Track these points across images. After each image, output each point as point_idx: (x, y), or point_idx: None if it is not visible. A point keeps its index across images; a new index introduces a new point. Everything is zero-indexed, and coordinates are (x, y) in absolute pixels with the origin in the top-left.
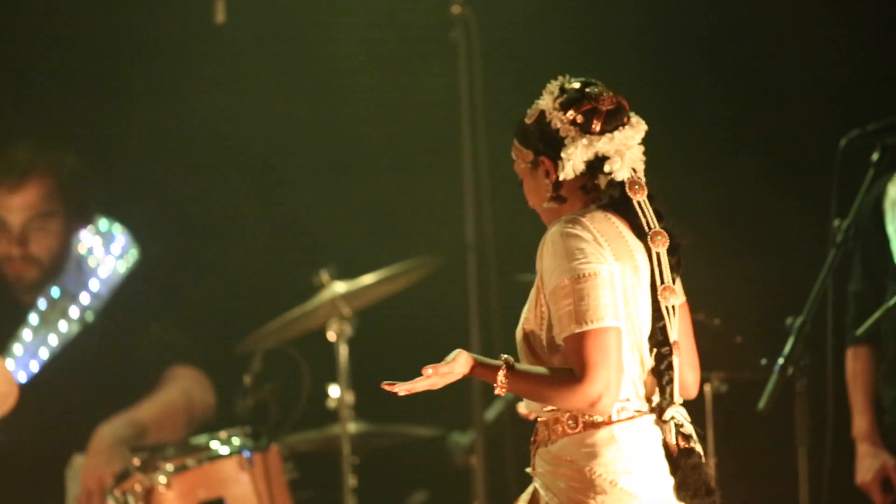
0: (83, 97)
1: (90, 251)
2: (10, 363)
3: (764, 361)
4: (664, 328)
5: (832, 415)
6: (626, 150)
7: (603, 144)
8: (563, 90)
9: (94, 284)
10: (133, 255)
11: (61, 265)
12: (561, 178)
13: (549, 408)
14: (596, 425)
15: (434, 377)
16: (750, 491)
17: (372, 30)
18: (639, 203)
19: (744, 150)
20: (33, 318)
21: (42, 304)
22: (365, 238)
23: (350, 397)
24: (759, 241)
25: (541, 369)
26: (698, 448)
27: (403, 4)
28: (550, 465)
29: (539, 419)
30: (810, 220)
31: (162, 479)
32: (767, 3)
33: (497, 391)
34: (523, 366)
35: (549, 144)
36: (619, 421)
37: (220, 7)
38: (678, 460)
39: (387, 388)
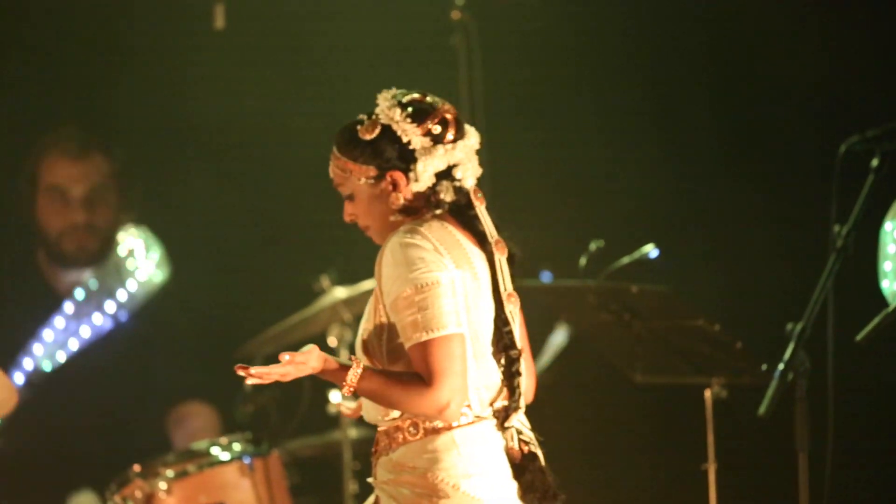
0: (79, 103)
1: (131, 253)
2: (38, 348)
3: (764, 367)
4: (510, 333)
5: (832, 420)
6: (471, 157)
7: (457, 153)
8: (403, 103)
9: (131, 284)
10: (166, 270)
11: (110, 249)
12: (414, 189)
13: (391, 416)
14: (436, 431)
15: (288, 366)
16: (750, 496)
17: (373, 35)
18: (481, 211)
19: (743, 157)
20: (68, 307)
21: (79, 293)
22: (365, 243)
23: (351, 402)
24: (760, 247)
25: (391, 372)
26: (539, 453)
27: (404, 10)
28: (392, 473)
29: (379, 428)
30: (810, 225)
31: (162, 485)
32: (767, 10)
33: (344, 390)
34: (374, 368)
35: (398, 157)
36: (459, 426)
37: (219, 13)
38: (524, 464)
39: (240, 371)
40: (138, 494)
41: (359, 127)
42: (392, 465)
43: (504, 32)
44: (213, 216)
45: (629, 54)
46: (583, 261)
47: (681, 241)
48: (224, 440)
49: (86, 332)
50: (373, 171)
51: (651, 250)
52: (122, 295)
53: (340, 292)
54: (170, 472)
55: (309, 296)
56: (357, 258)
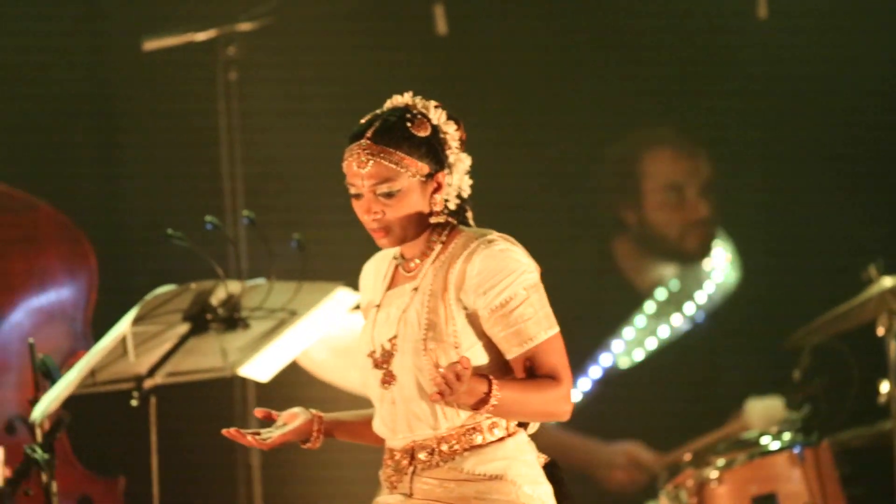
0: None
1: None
2: (617, 345)
3: None
4: None
5: None
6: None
7: (467, 161)
8: (436, 106)
9: (708, 286)
10: (740, 268)
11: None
12: (452, 194)
13: (453, 424)
14: (500, 438)
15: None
16: None
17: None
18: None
19: None
20: (649, 307)
21: (660, 293)
22: None
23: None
24: None
25: (519, 379)
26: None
27: None
28: (447, 483)
29: (415, 441)
30: None
31: (713, 473)
32: None
33: (485, 408)
34: (504, 378)
35: (439, 160)
36: (516, 432)
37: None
38: (554, 471)
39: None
40: (689, 483)
41: (408, 123)
42: (452, 475)
43: None
44: (765, 204)
45: None
46: None
47: None
48: (774, 429)
49: (664, 333)
50: (426, 169)
51: None
52: (700, 297)
53: (888, 282)
54: (720, 461)
55: (857, 285)
56: None
